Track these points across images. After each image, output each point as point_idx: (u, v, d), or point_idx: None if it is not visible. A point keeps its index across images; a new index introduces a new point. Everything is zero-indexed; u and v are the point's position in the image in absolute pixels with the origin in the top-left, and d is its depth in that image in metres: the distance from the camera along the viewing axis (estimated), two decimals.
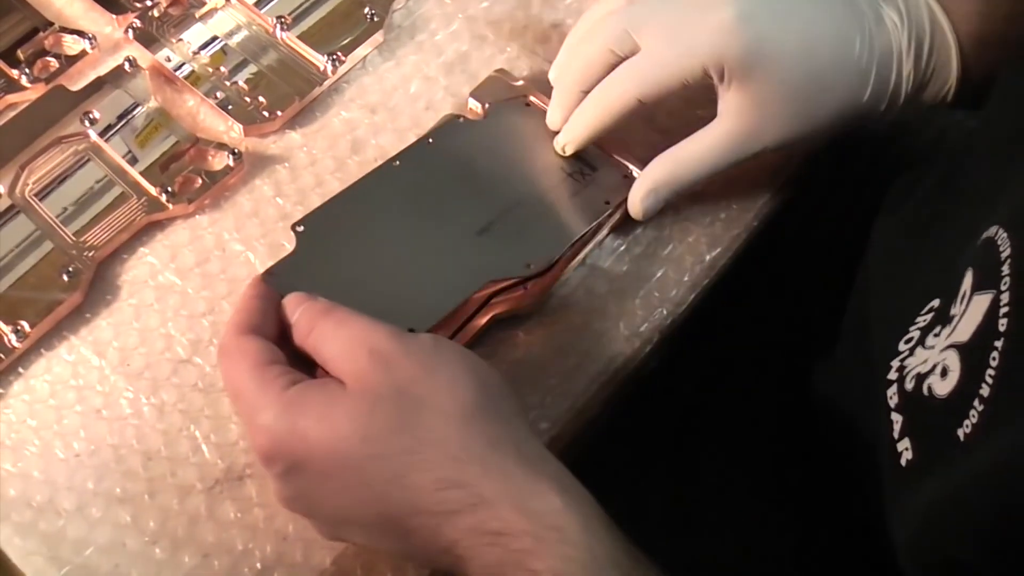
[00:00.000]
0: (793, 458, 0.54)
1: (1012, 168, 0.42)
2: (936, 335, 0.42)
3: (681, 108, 0.56)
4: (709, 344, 0.59)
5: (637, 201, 0.52)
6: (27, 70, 0.56)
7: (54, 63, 0.57)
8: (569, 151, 0.53)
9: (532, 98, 0.55)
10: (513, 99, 0.55)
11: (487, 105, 0.55)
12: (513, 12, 0.60)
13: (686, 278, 0.52)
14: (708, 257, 0.53)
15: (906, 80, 0.51)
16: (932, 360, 0.41)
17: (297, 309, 0.44)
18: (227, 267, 0.52)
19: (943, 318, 0.42)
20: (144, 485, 0.46)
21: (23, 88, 0.56)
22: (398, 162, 0.53)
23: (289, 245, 0.52)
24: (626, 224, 0.53)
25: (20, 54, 0.56)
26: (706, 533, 0.53)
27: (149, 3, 0.58)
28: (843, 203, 0.63)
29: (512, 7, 0.60)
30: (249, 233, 0.53)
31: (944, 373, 0.40)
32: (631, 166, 0.53)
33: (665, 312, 0.51)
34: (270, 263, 0.51)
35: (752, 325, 0.61)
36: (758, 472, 0.55)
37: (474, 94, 0.55)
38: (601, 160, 0.53)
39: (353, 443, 0.39)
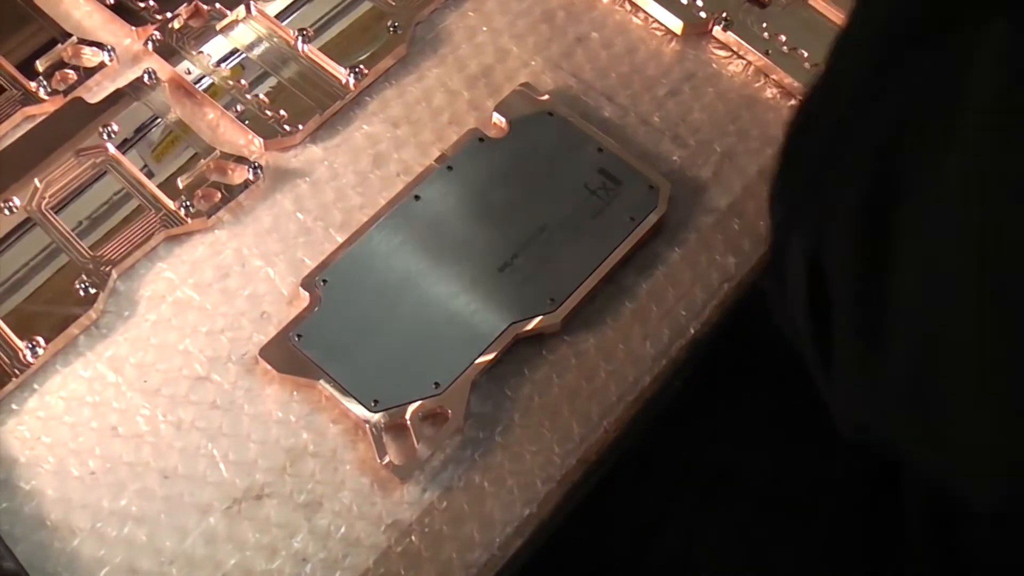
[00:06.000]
0: (831, 476, 0.53)
1: None
2: None
3: (706, 123, 0.55)
4: (737, 363, 0.58)
5: None
6: (45, 82, 0.55)
7: (72, 75, 0.56)
8: None
9: (556, 112, 0.54)
10: (536, 114, 0.55)
11: (510, 120, 0.54)
12: (537, 25, 0.59)
13: (713, 296, 0.51)
14: (735, 274, 0.52)
15: None
16: None
17: None
18: (247, 283, 0.51)
19: None
20: (160, 504, 0.46)
21: (41, 100, 0.55)
22: (418, 197, 0.52)
23: (310, 261, 0.51)
24: (651, 242, 0.52)
25: (38, 66, 0.56)
26: (736, 554, 0.52)
27: (169, 15, 0.58)
28: None
29: (536, 20, 0.59)
30: (269, 248, 0.52)
31: None
32: (655, 179, 0.52)
33: (692, 331, 0.50)
34: (290, 279, 0.51)
35: (782, 342, 0.59)
36: (792, 492, 0.54)
37: (498, 108, 0.55)
38: (626, 173, 0.53)
39: None
